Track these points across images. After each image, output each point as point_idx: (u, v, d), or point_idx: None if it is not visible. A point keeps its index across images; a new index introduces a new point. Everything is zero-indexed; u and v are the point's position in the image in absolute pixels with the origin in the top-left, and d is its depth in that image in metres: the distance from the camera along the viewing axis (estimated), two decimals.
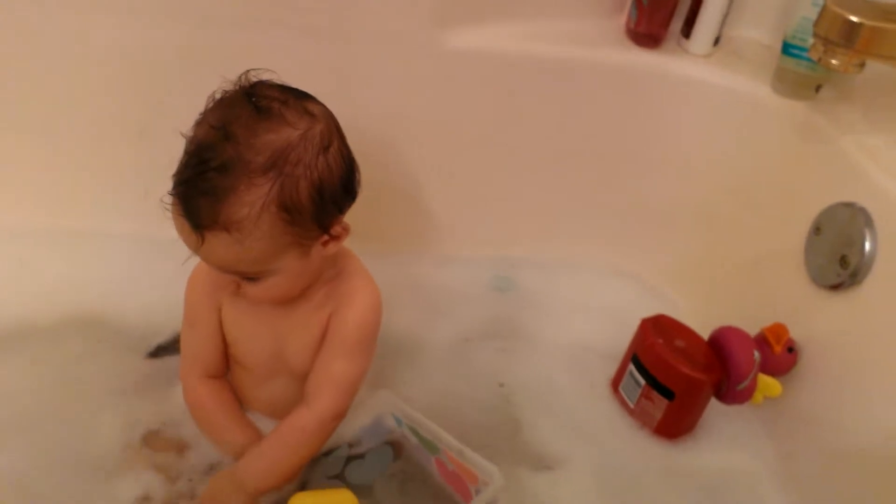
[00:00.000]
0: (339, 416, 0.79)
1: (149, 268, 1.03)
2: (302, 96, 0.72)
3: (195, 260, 0.74)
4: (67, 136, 1.03)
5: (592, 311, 1.10)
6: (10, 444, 0.83)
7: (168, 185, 1.02)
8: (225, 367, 0.85)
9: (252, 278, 0.72)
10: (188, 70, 0.99)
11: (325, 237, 0.73)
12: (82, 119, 1.02)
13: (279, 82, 0.72)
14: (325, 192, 0.70)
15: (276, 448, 0.78)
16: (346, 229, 0.75)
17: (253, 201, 0.66)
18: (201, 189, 0.66)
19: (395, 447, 0.87)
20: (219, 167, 0.66)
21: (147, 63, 0.98)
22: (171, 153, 1.03)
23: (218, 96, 0.70)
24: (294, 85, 0.74)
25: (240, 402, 0.86)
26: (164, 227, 1.03)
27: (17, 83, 0.99)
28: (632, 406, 0.94)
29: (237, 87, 0.71)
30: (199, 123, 0.69)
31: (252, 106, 0.68)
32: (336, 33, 0.98)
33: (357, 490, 0.77)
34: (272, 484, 0.78)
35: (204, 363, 0.83)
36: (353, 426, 0.86)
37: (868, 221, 0.83)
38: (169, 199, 0.70)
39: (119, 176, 1.06)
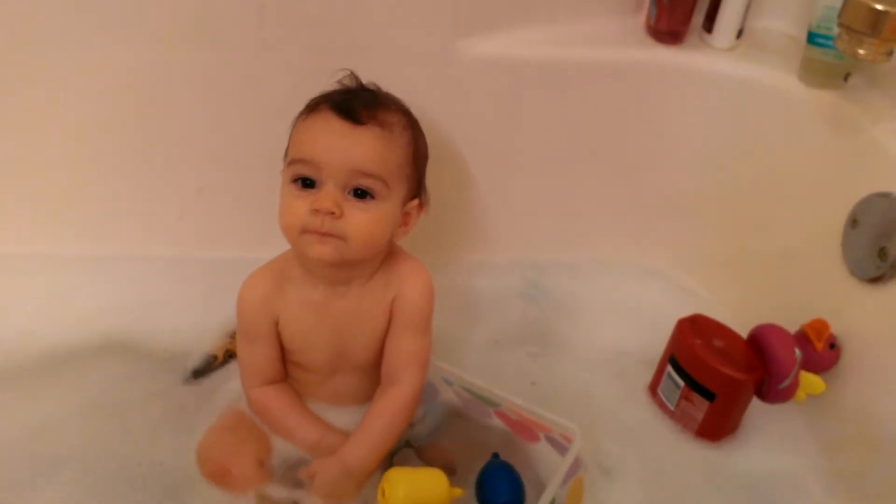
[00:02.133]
0: (421, 389, 0.85)
1: (179, 290, 1.05)
2: None
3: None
4: (97, 164, 1.04)
5: (624, 312, 1.09)
6: (61, 474, 0.84)
7: (201, 207, 1.07)
8: (284, 372, 0.87)
9: (369, 195, 0.76)
10: (209, 94, 1.01)
11: (418, 200, 0.82)
12: (110, 146, 1.03)
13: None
14: (425, 160, 0.84)
15: (377, 430, 0.81)
16: (424, 205, 0.84)
17: (398, 120, 0.79)
18: (362, 99, 0.78)
19: (450, 406, 0.89)
20: (373, 94, 0.81)
21: (169, 88, 1.00)
22: (200, 176, 1.06)
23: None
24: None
25: (302, 398, 0.88)
26: (196, 249, 1.07)
27: (46, 114, 1.00)
28: (671, 409, 0.93)
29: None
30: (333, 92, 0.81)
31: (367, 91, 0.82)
32: (352, 49, 0.98)
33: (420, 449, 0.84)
34: (375, 464, 0.81)
35: (265, 374, 0.85)
36: None
37: None
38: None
39: (150, 201, 1.07)
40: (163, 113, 1.01)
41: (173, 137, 1.03)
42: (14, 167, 1.03)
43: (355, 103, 0.76)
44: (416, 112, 1.02)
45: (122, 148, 1.03)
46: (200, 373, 0.97)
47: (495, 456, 0.83)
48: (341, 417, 0.86)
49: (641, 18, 1.07)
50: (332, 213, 0.74)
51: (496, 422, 0.87)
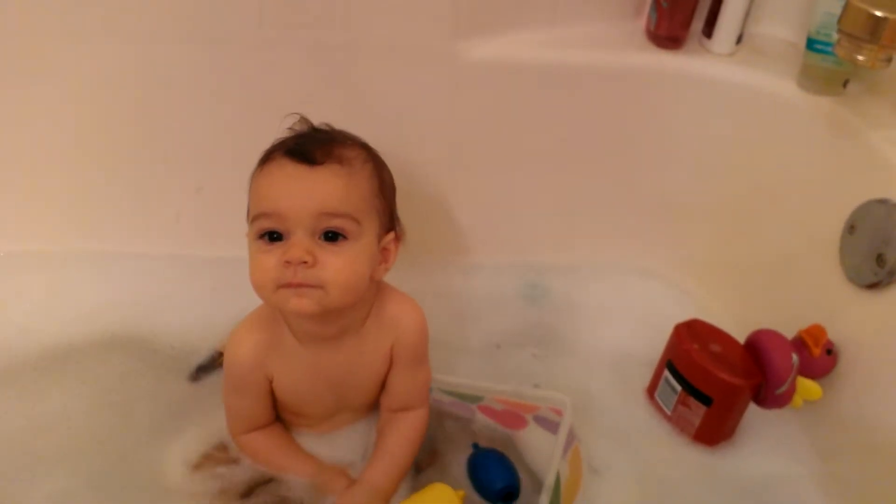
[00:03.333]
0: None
1: (183, 287, 1.05)
2: None
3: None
4: (97, 162, 1.04)
5: (622, 315, 1.09)
6: (63, 467, 0.84)
7: (197, 207, 1.07)
8: (274, 416, 0.85)
9: (341, 235, 0.72)
10: (209, 92, 1.01)
11: (393, 233, 0.79)
12: (110, 145, 1.03)
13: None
14: (393, 191, 0.81)
15: (400, 452, 0.82)
16: (400, 237, 0.81)
17: (357, 154, 0.76)
18: (315, 140, 0.76)
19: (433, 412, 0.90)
20: (327, 133, 0.78)
21: (169, 87, 1.00)
22: (198, 176, 1.06)
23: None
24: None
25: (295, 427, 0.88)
26: (198, 247, 1.07)
27: (45, 112, 1.01)
28: (669, 413, 0.93)
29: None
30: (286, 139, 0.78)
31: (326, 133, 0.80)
32: (352, 49, 0.99)
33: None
34: (399, 483, 0.82)
35: (256, 420, 0.83)
36: None
37: None
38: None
39: (150, 198, 1.08)
40: (162, 111, 1.02)
41: (173, 135, 1.03)
42: (13, 165, 1.04)
43: (309, 145, 0.73)
44: (416, 114, 1.03)
45: (122, 146, 1.03)
46: (205, 369, 0.96)
47: (475, 446, 0.85)
48: (337, 441, 0.87)
49: (641, 23, 1.08)
50: (305, 262, 0.69)
51: (480, 417, 0.88)
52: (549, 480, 0.77)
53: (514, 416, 0.86)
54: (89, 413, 0.89)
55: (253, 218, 0.73)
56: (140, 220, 1.08)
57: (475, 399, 0.87)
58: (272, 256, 0.71)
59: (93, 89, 0.99)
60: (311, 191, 0.71)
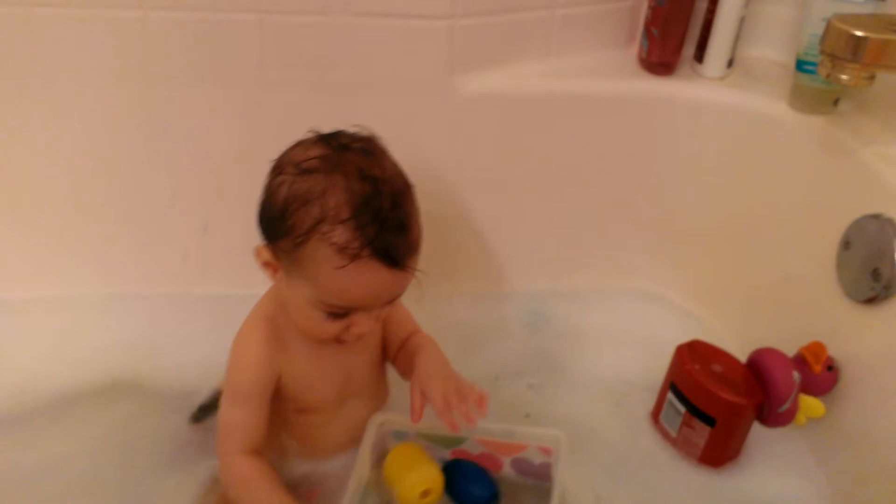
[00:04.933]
0: None
1: (184, 326, 1.06)
2: None
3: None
4: (102, 204, 1.07)
5: (625, 339, 1.10)
6: None
7: (205, 247, 1.08)
8: (265, 443, 0.83)
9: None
10: (213, 132, 1.03)
11: None
12: (116, 188, 1.06)
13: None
14: None
15: (433, 348, 0.85)
16: None
17: (417, 212, 0.75)
18: (394, 229, 0.70)
19: None
20: (392, 205, 0.71)
21: (174, 127, 1.03)
22: (204, 215, 1.08)
23: (306, 166, 0.72)
24: None
25: (311, 452, 0.88)
26: (206, 285, 1.08)
27: (49, 157, 1.03)
28: (674, 435, 0.93)
29: (325, 144, 0.74)
30: (325, 193, 0.70)
31: (357, 151, 0.73)
32: (352, 87, 1.01)
33: None
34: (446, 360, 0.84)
35: (251, 440, 0.80)
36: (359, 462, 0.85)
37: None
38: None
39: (156, 239, 1.09)
40: (167, 153, 1.04)
41: (178, 176, 1.05)
42: (18, 210, 1.06)
43: (395, 242, 0.71)
44: (415, 148, 1.04)
45: (128, 188, 1.06)
46: (207, 408, 0.97)
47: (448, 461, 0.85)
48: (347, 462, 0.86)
49: (634, 51, 1.10)
50: None
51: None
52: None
53: (490, 459, 0.85)
54: (93, 454, 0.90)
55: (326, 303, 0.73)
56: (147, 261, 1.10)
57: (457, 441, 0.85)
58: (336, 325, 0.75)
59: (98, 132, 1.02)
60: (393, 288, 0.74)
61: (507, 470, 0.85)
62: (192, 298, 1.09)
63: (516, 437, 0.83)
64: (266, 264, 0.77)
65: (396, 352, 0.88)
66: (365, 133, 0.76)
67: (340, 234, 0.68)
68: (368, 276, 0.70)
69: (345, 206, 0.69)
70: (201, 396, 0.98)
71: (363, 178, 0.70)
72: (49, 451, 0.91)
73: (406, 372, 0.86)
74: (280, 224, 0.72)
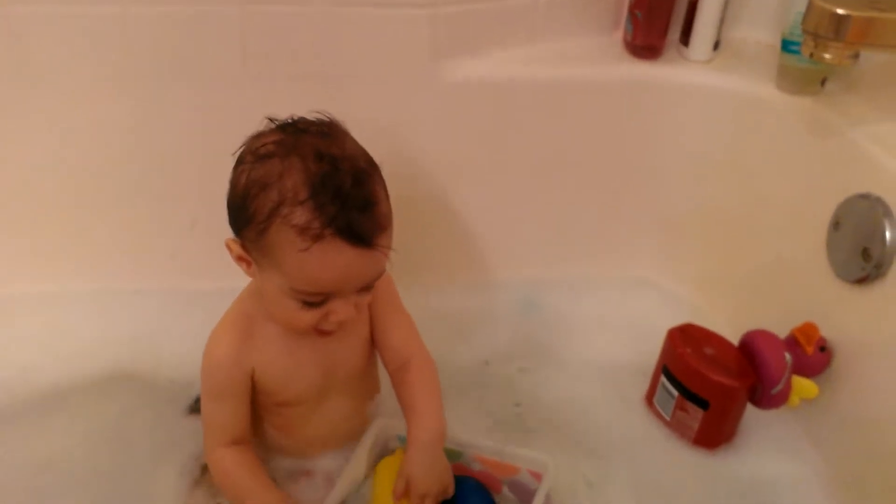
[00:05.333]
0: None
1: (180, 320, 1.05)
2: None
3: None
4: (92, 202, 1.06)
5: (617, 325, 1.10)
6: (64, 502, 0.85)
7: (193, 243, 1.07)
8: (250, 430, 0.84)
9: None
10: (198, 128, 1.02)
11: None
12: (103, 185, 1.05)
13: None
14: None
15: (430, 398, 0.82)
16: None
17: (385, 191, 0.73)
18: (357, 207, 0.68)
19: None
20: (354, 183, 0.69)
21: (159, 125, 1.01)
22: (192, 211, 1.07)
23: (263, 152, 0.71)
24: None
25: (297, 448, 0.87)
26: (196, 280, 1.08)
27: (38, 154, 1.02)
28: (668, 418, 0.93)
29: (281, 131, 0.73)
30: (283, 175, 0.69)
31: (314, 133, 0.72)
32: (336, 77, 1.00)
33: None
34: (442, 421, 0.81)
35: (233, 432, 0.81)
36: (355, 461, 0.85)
37: (886, 211, 0.81)
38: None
39: (145, 236, 1.09)
40: (154, 150, 1.03)
41: (165, 173, 1.04)
42: (8, 207, 1.05)
43: (361, 220, 0.69)
44: (401, 136, 1.04)
45: (115, 185, 1.05)
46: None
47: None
48: (335, 462, 0.86)
49: (619, 35, 1.09)
50: None
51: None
52: None
53: (489, 479, 0.84)
54: (90, 448, 0.90)
55: (299, 290, 0.72)
56: (136, 257, 1.09)
57: (456, 456, 0.84)
58: (313, 314, 0.73)
59: (85, 130, 1.01)
60: (364, 270, 0.72)
61: (505, 493, 0.84)
62: (185, 293, 1.08)
63: (506, 458, 0.82)
64: (239, 258, 0.75)
65: (395, 370, 0.85)
66: (325, 118, 0.75)
67: (300, 216, 0.67)
68: (335, 257, 0.68)
69: (302, 187, 0.68)
70: (197, 389, 0.96)
71: (320, 158, 0.69)
72: (44, 444, 0.91)
73: (400, 399, 0.84)
74: (243, 213, 0.71)
